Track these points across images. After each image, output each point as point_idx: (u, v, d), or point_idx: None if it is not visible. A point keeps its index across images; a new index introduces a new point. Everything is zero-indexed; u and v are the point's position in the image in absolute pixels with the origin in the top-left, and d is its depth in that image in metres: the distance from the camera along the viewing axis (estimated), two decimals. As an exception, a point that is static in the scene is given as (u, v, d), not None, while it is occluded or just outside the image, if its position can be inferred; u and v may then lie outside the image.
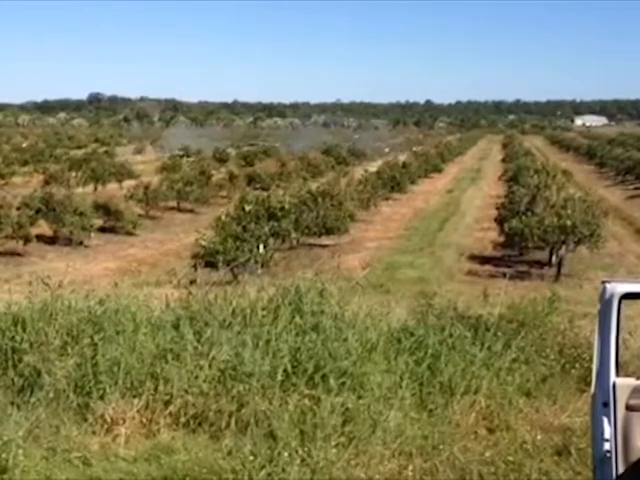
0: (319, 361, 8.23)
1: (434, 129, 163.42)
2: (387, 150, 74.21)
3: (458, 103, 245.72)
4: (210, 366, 8.19)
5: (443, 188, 48.57)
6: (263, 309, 9.16)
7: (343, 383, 8.05)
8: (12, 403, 7.87)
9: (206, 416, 7.86)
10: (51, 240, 26.90)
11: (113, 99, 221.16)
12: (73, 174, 43.50)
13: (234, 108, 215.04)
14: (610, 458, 5.33)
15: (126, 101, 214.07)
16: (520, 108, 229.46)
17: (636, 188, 44.05)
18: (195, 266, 18.53)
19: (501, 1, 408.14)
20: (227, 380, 8.11)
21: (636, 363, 7.43)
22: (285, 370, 8.15)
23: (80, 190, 36.40)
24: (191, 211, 36.71)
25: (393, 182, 42.52)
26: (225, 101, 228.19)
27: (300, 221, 24.61)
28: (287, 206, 24.33)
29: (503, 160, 65.93)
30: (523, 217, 21.95)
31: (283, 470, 6.84)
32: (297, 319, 8.97)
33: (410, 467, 7.18)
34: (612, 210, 30.43)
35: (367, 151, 75.38)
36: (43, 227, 27.19)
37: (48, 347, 8.45)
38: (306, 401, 7.75)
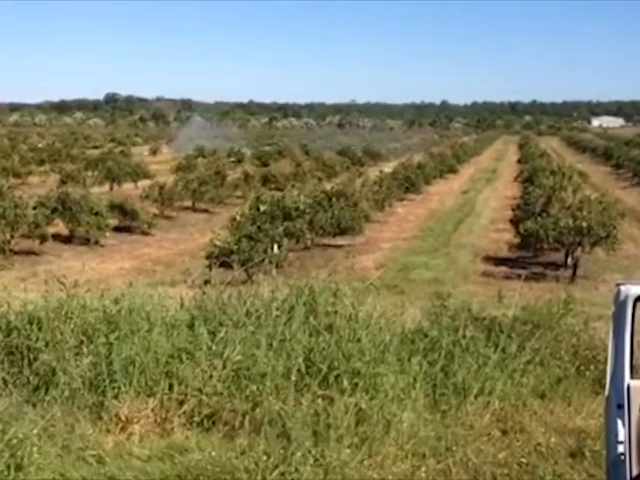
0: (333, 362, 8.24)
1: (450, 130, 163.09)
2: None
3: (474, 104, 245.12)
4: (224, 366, 8.22)
5: (458, 189, 48.44)
6: (277, 309, 9.18)
7: (356, 384, 8.05)
8: (27, 401, 7.93)
9: (220, 415, 7.88)
10: (67, 239, 27.04)
11: (129, 99, 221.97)
12: (89, 174, 43.72)
13: (249, 108, 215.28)
14: (624, 461, 5.32)
15: (142, 101, 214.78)
16: (536, 109, 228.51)
17: (653, 190, 43.79)
18: (210, 266, 18.57)
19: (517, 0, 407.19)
20: (241, 380, 8.13)
21: None
22: (299, 370, 8.17)
23: (96, 190, 36.56)
24: (206, 211, 36.79)
25: (408, 183, 42.47)
26: (241, 101, 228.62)
27: (315, 221, 24.62)
28: (302, 206, 24.37)
29: (519, 161, 65.69)
30: (538, 218, 21.86)
31: (296, 470, 6.85)
32: (311, 319, 8.99)
33: (423, 468, 7.18)
34: (629, 212, 30.25)
35: (382, 152, 75.32)
36: (59, 226, 27.33)
37: (63, 346, 8.50)
38: (319, 401, 7.76)
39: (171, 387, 8.06)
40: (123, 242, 28.03)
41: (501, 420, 8.20)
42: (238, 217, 22.37)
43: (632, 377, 5.41)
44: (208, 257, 19.63)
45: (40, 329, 8.68)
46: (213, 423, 7.86)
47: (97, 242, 26.85)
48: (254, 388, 7.97)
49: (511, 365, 8.80)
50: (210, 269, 18.08)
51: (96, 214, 26.98)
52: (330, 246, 25.48)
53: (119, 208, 29.79)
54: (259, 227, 21.23)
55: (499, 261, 22.98)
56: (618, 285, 5.49)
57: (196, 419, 7.89)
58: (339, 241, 25.91)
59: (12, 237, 24.09)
